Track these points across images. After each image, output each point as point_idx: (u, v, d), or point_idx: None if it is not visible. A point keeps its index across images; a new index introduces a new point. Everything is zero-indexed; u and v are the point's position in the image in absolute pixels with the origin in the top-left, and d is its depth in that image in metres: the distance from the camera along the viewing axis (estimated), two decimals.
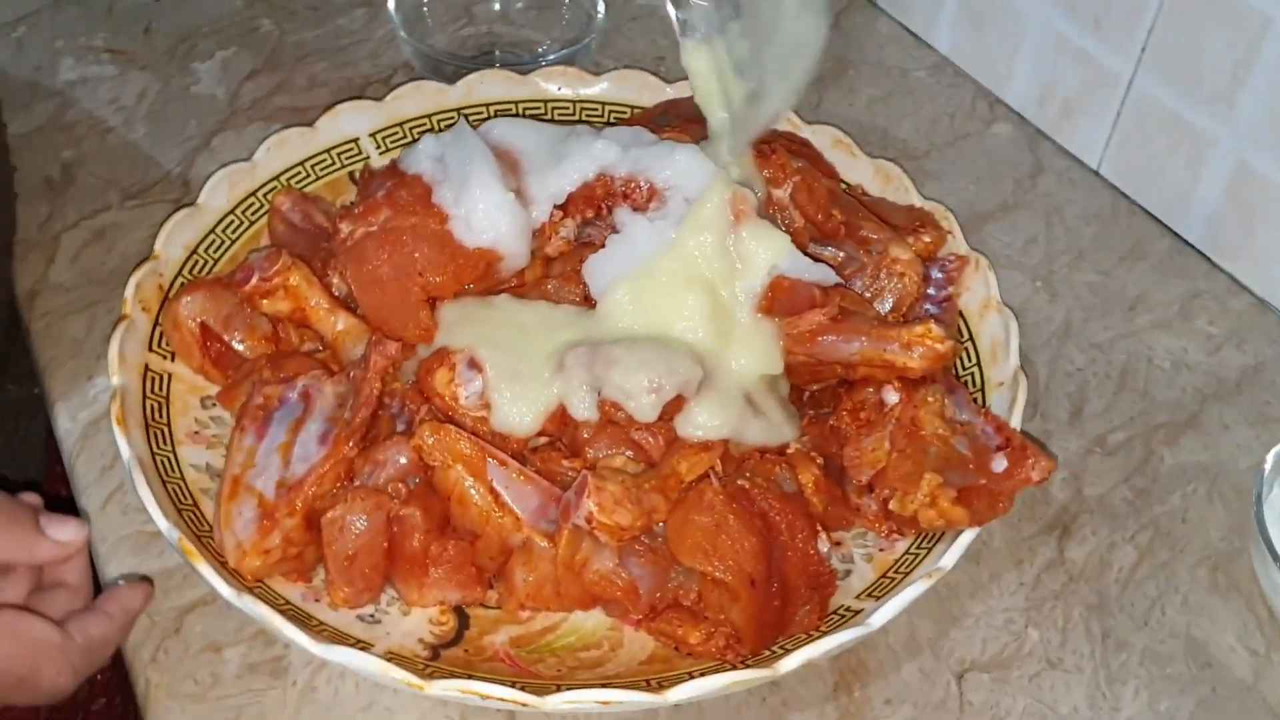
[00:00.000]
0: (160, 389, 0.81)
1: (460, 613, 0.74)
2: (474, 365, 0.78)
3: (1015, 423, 0.79)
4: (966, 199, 1.08)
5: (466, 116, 1.00)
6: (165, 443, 0.78)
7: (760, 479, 0.72)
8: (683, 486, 0.73)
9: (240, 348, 0.83)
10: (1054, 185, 1.10)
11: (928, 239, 0.90)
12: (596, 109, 1.05)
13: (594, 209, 0.84)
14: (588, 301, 0.82)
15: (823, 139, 1.00)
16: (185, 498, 0.75)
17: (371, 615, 0.73)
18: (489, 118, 1.00)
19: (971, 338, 0.88)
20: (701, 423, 0.75)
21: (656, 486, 0.72)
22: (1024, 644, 0.78)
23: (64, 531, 0.70)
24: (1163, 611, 0.80)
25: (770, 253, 0.80)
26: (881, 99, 1.18)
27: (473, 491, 0.73)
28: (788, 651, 0.68)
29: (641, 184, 0.83)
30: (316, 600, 0.73)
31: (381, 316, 0.81)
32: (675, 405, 0.76)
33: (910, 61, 1.23)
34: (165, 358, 0.83)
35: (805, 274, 0.80)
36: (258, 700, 0.72)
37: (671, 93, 1.04)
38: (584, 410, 0.76)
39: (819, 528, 0.73)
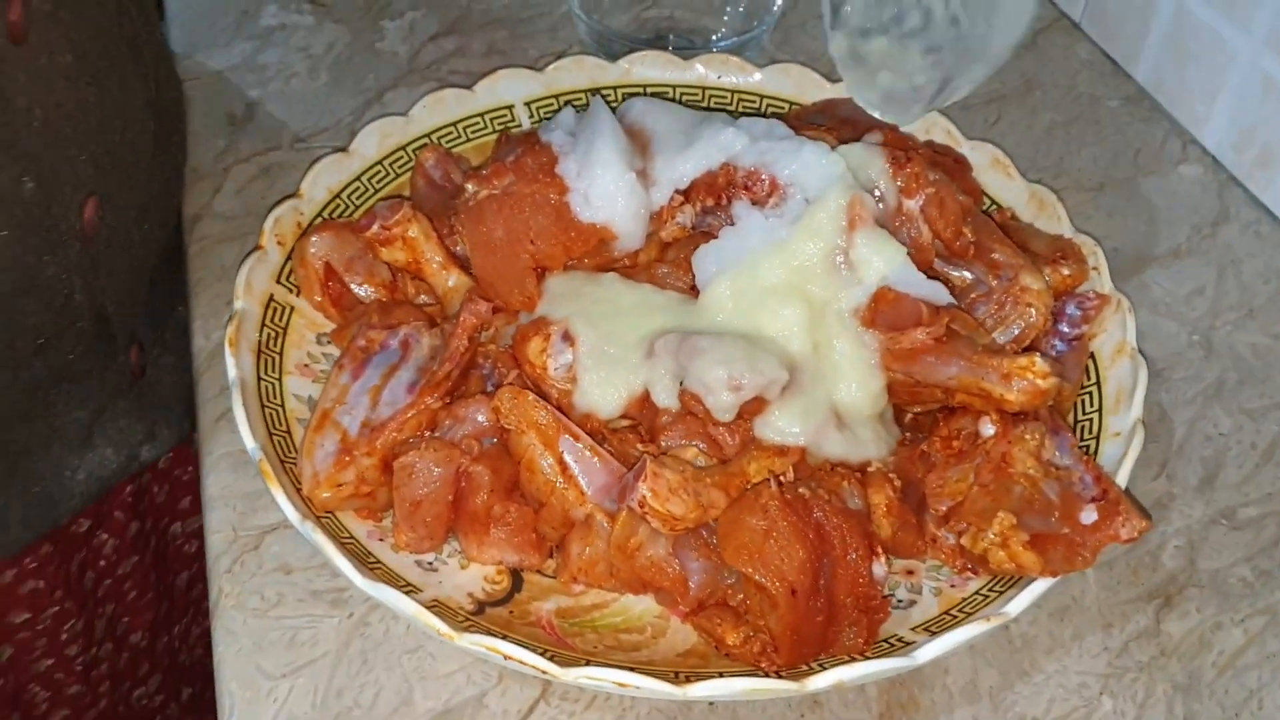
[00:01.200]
0: (280, 319, 0.85)
1: (515, 575, 0.75)
2: (568, 339, 0.78)
3: (1122, 477, 0.74)
4: (1134, 239, 1.02)
5: (621, 94, 1.01)
6: (273, 370, 0.82)
7: (824, 491, 0.70)
8: (746, 487, 0.71)
9: (358, 290, 0.86)
10: (1236, 236, 1.02)
11: (1067, 272, 0.85)
12: (753, 100, 1.03)
13: (714, 198, 0.83)
14: (695, 291, 0.81)
15: (981, 157, 0.96)
16: (280, 424, 0.79)
17: (430, 563, 0.75)
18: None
19: (1099, 382, 0.83)
20: (780, 427, 0.74)
21: (719, 482, 0.70)
22: (1094, 711, 0.73)
23: None
24: (1260, 705, 0.74)
25: (883, 263, 0.77)
26: (1064, 125, 1.13)
27: (542, 460, 0.73)
28: (823, 669, 0.66)
29: (764, 177, 0.81)
30: (381, 540, 0.75)
31: (490, 279, 0.83)
32: (756, 406, 0.74)
33: (1104, 89, 1.16)
34: (290, 291, 0.87)
35: (917, 290, 0.77)
36: (313, 625, 0.75)
37: (831, 92, 1.01)
38: (665, 398, 0.75)
39: (878, 551, 0.70)
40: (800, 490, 0.69)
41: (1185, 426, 0.88)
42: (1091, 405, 0.82)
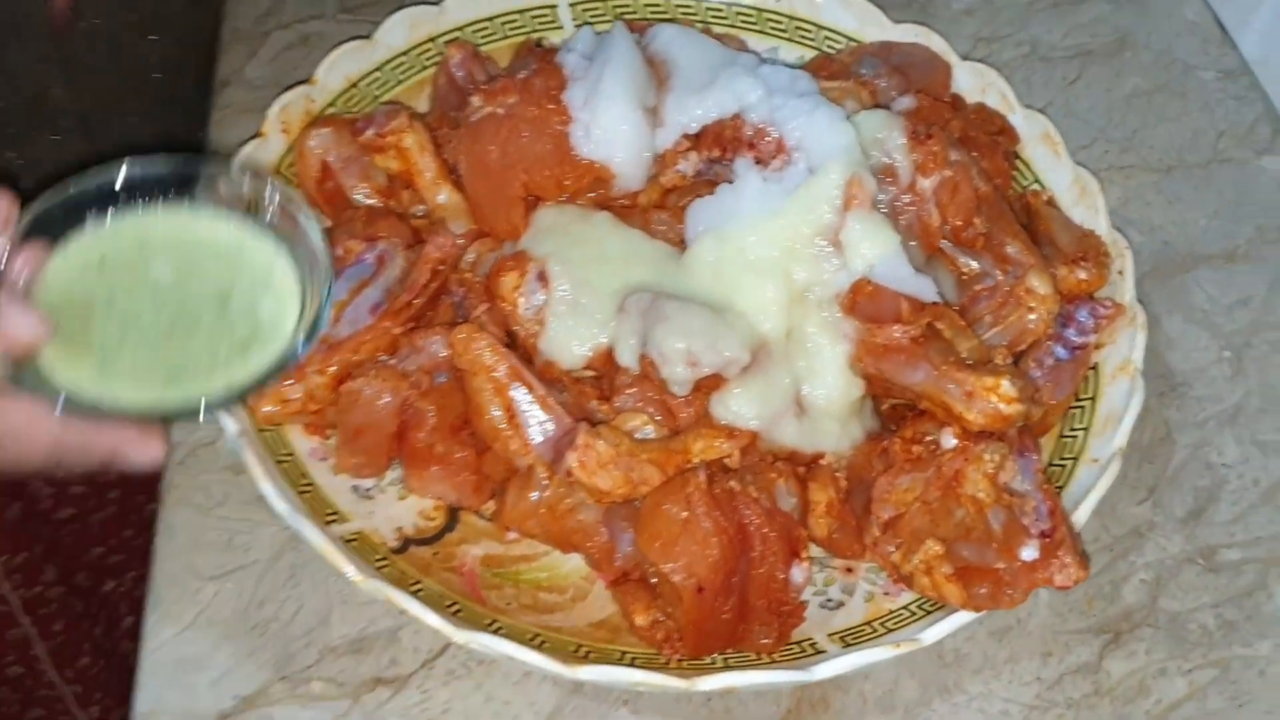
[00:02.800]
0: None
1: (452, 513, 0.75)
2: (543, 279, 0.76)
3: (1083, 512, 0.71)
4: (1191, 234, 0.95)
5: (674, 8, 0.96)
6: None
7: (756, 487, 0.68)
8: (686, 466, 0.69)
9: (352, 193, 0.84)
10: None
11: (1084, 275, 0.80)
12: (810, 31, 0.97)
13: (721, 149, 0.79)
14: (684, 245, 0.78)
15: (1031, 128, 0.90)
16: None
17: (367, 490, 0.75)
18: (696, 16, 0.96)
19: (1094, 398, 0.78)
20: (734, 409, 0.71)
21: (656, 458, 0.69)
22: None
23: (22, 321, 0.55)
24: None
25: (872, 250, 0.73)
26: (1148, 93, 1.04)
27: (491, 405, 0.72)
28: (725, 668, 0.65)
29: (771, 136, 0.77)
30: (323, 460, 0.75)
31: (480, 201, 0.80)
32: (715, 381, 0.72)
33: (1202, 58, 1.07)
34: (288, 182, 0.85)
35: (902, 284, 0.73)
36: (250, 531, 0.76)
37: (892, 33, 0.95)
38: (627, 357, 0.73)
39: (801, 555, 0.68)
40: (730, 484, 0.67)
41: (1187, 450, 0.84)
42: (1080, 422, 0.78)
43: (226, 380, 0.58)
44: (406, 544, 0.73)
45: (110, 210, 0.61)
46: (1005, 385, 0.68)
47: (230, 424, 0.71)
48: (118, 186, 0.60)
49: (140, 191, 0.61)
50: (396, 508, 0.75)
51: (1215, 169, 0.99)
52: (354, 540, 0.70)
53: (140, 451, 0.59)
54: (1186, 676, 0.74)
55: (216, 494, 0.78)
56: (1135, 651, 0.75)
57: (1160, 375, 0.86)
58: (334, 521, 0.71)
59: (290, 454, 0.74)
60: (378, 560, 0.70)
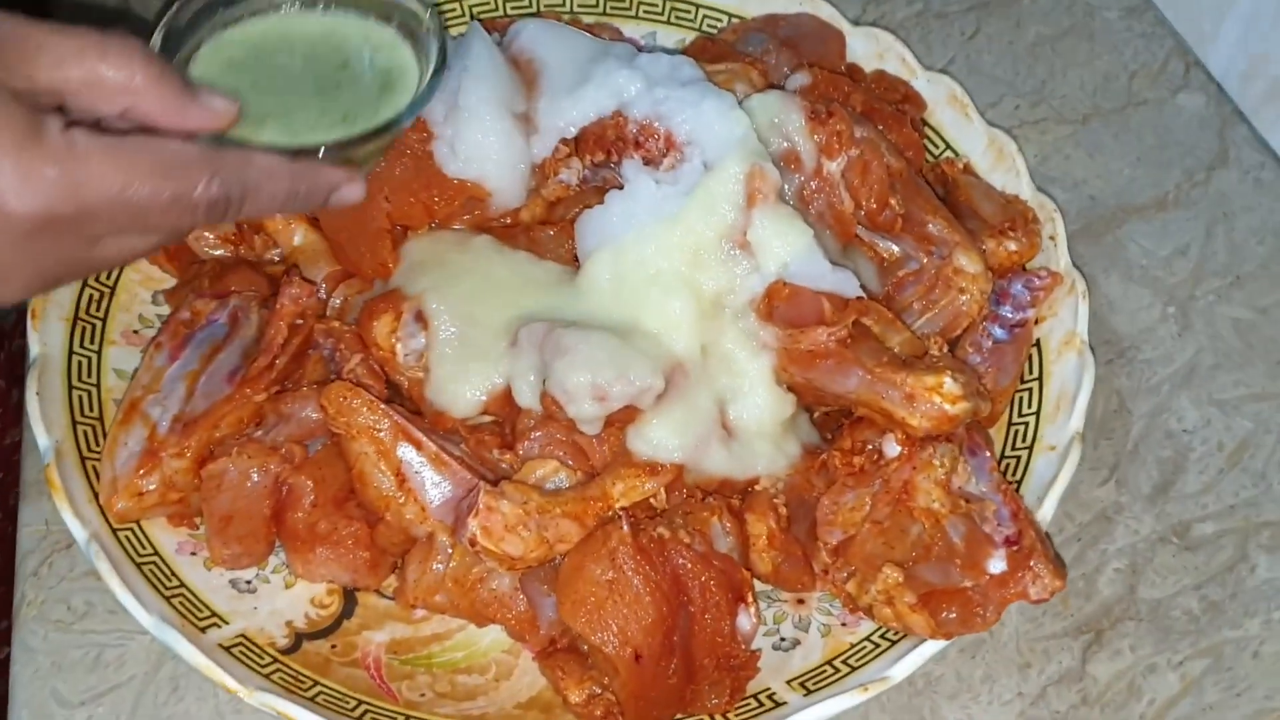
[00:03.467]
0: (108, 278, 0.74)
1: (349, 596, 0.66)
2: (421, 320, 0.67)
3: (1047, 510, 0.64)
4: (1117, 185, 0.89)
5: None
6: (92, 340, 0.72)
7: (687, 530, 0.60)
8: (607, 514, 0.61)
9: (197, 244, 0.75)
10: (1234, 183, 0.89)
11: (1014, 247, 0.73)
12: (688, 11, 0.89)
13: (605, 151, 0.71)
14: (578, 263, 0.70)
15: (937, 92, 0.83)
16: (91, 409, 0.69)
17: (249, 582, 0.66)
18: (563, 8, 0.88)
19: (1040, 379, 0.71)
20: (655, 441, 0.63)
21: (573, 510, 0.61)
22: None
23: (217, 102, 0.57)
24: None
25: (784, 247, 0.65)
26: (1052, 40, 0.98)
27: (376, 471, 0.64)
28: None
29: (658, 132, 0.69)
30: (193, 554, 0.66)
31: (340, 239, 0.71)
32: (629, 413, 0.64)
33: None
34: None
35: (820, 281, 0.65)
36: (121, 643, 0.66)
37: (779, 6, 0.87)
38: (528, 397, 0.65)
39: (747, 600, 0.60)
40: (659, 531, 0.59)
41: (1145, 420, 0.77)
42: (1029, 406, 0.71)
43: (392, 110, 0.61)
44: (299, 640, 0.64)
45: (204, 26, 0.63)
46: (948, 383, 0.61)
47: (78, 529, 0.62)
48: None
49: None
50: (284, 598, 0.65)
51: (1132, 113, 0.93)
52: (237, 645, 0.61)
53: (350, 190, 0.60)
54: (1178, 670, 0.68)
55: (78, 605, 0.68)
56: (1120, 650, 0.68)
57: (1105, 341, 0.80)
58: (211, 626, 0.62)
59: (153, 553, 0.65)
60: (265, 665, 0.61)
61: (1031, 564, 0.58)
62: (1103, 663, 0.68)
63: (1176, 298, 0.83)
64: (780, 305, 0.64)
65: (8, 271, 0.51)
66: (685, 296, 0.65)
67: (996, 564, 0.59)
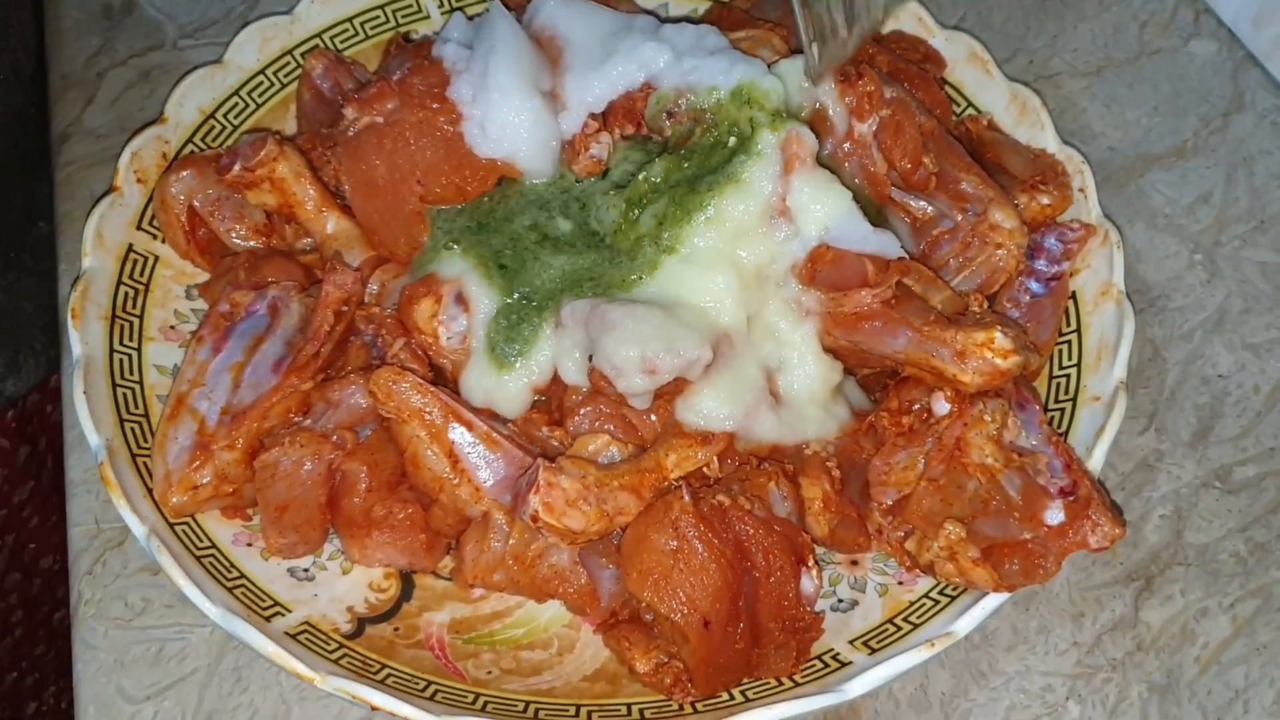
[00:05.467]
0: (141, 274, 0.74)
1: (406, 579, 0.66)
2: (461, 302, 0.67)
3: (1097, 460, 0.65)
4: (1135, 135, 0.89)
5: None
6: (130, 338, 0.71)
7: (745, 496, 0.60)
8: (663, 485, 0.61)
9: (228, 237, 0.74)
10: (1250, 128, 0.89)
11: (1046, 201, 0.73)
12: None
13: (634, 124, 0.71)
14: None
15: (956, 49, 0.83)
16: (137, 405, 0.69)
17: (306, 570, 0.66)
18: None
19: (1079, 330, 0.72)
20: (705, 411, 0.64)
21: (629, 483, 0.61)
22: None
23: None
24: (1245, 709, 0.65)
25: (824, 211, 0.65)
26: None
27: (428, 452, 0.64)
28: (747, 703, 0.58)
29: (684, 103, 0.69)
30: (250, 545, 0.66)
31: (373, 224, 0.71)
32: (677, 384, 0.64)
33: None
34: (154, 237, 0.75)
35: (863, 244, 0.65)
36: (182, 637, 0.67)
37: None
38: (574, 374, 0.65)
39: (809, 563, 0.61)
40: (718, 499, 0.60)
41: (1180, 367, 0.78)
42: (1069, 359, 0.71)
43: None
44: (361, 625, 0.64)
45: None
46: (999, 337, 0.61)
47: (136, 524, 0.62)
48: None
49: None
50: (342, 584, 0.66)
51: (1145, 63, 0.93)
52: (302, 632, 0.61)
53: None
54: (1229, 613, 0.68)
55: (135, 601, 0.68)
56: (1171, 595, 0.69)
57: (1135, 291, 0.80)
58: (275, 615, 0.62)
59: (211, 546, 0.65)
60: (333, 651, 0.61)
61: (1090, 513, 0.59)
62: (1154, 608, 0.69)
63: (1202, 245, 0.83)
64: (824, 269, 0.64)
65: None
66: (725, 269, 0.65)
67: (1054, 515, 0.60)
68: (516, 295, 0.67)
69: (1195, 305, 0.81)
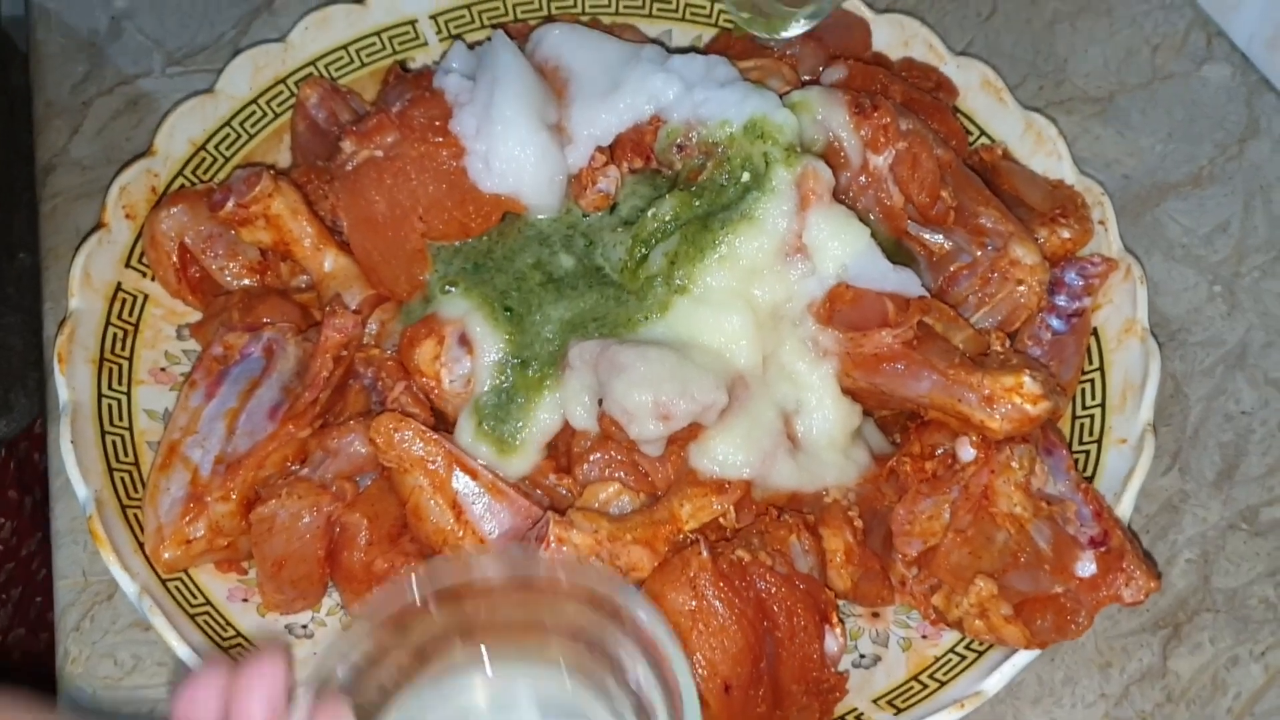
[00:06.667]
0: (130, 314, 0.71)
1: None
2: (465, 344, 0.65)
3: (1125, 507, 0.62)
4: (1149, 163, 0.87)
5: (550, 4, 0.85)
6: (120, 382, 0.69)
7: (766, 551, 0.58)
8: (678, 537, 0.59)
9: (221, 276, 0.72)
10: (1267, 155, 0.87)
11: (1067, 234, 0.71)
12: (704, 7, 0.87)
13: (643, 157, 0.69)
14: None
15: (969, 77, 0.81)
16: (126, 453, 0.66)
17: (304, 627, 0.63)
18: (576, 9, 0.85)
19: (1102, 368, 0.70)
20: (721, 457, 0.61)
21: (643, 536, 0.58)
22: None
23: None
24: None
25: (842, 248, 0.63)
26: (1070, 16, 0.96)
27: (431, 504, 0.61)
28: None
29: (695, 136, 0.66)
30: (245, 600, 0.63)
31: (373, 262, 0.69)
32: (691, 430, 0.61)
33: None
34: (144, 275, 0.73)
35: (882, 282, 0.63)
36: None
37: None
38: (583, 419, 0.63)
39: (832, 621, 0.58)
40: (738, 554, 0.57)
41: (1202, 404, 0.76)
42: (1093, 398, 0.69)
43: None
44: None
45: None
46: (1028, 382, 0.59)
47: (127, 582, 0.59)
48: None
49: None
50: None
51: (1158, 88, 0.92)
52: None
53: None
54: (1260, 661, 0.66)
55: (125, 659, 0.65)
56: (1200, 643, 0.67)
57: (1155, 325, 0.78)
58: None
59: (205, 602, 0.62)
60: None
61: (1124, 565, 0.57)
62: (1184, 657, 0.66)
63: (1221, 276, 0.81)
64: (842, 309, 0.62)
65: None
66: (741, 310, 0.62)
67: (1086, 566, 0.57)
68: (510, 364, 0.64)
69: (1216, 339, 0.78)
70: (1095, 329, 0.71)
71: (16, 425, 0.91)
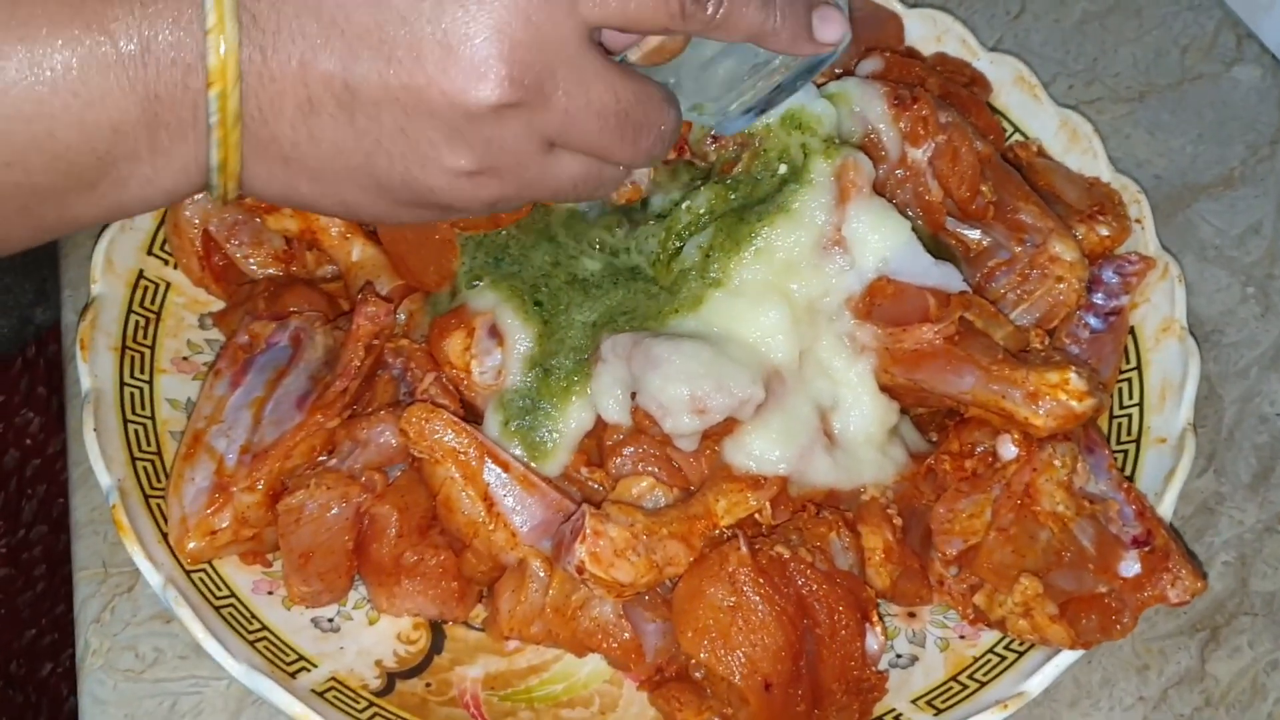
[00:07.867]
0: (152, 301, 0.70)
1: (436, 630, 0.62)
2: (495, 335, 0.64)
3: (1167, 506, 0.61)
4: (1180, 164, 0.86)
5: None
6: (142, 370, 0.68)
7: (806, 547, 0.57)
8: (713, 532, 0.58)
9: (246, 264, 0.71)
10: None
11: (1105, 232, 0.70)
12: None
13: (676, 149, 0.68)
14: None
15: (1003, 73, 0.80)
16: (149, 443, 0.65)
17: (330, 620, 0.62)
18: None
19: (1139, 367, 0.69)
20: (756, 453, 0.60)
21: (679, 531, 0.57)
22: None
23: (832, 30, 0.55)
24: None
25: (882, 242, 0.62)
26: (1099, 16, 0.95)
27: (463, 495, 0.60)
28: None
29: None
30: (271, 593, 0.62)
31: (400, 251, 0.67)
32: (726, 425, 0.60)
33: None
34: (166, 263, 0.72)
35: (924, 276, 0.62)
36: (198, 690, 0.62)
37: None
38: (615, 413, 0.61)
39: (873, 619, 0.57)
40: (778, 549, 0.56)
41: (1237, 406, 0.75)
42: (1130, 398, 0.68)
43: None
44: (391, 681, 0.60)
45: None
46: (1073, 379, 0.58)
47: (152, 572, 0.58)
48: None
49: None
50: (369, 635, 0.62)
51: (1188, 88, 0.91)
52: (330, 689, 0.57)
53: None
54: None
55: (146, 652, 0.64)
56: (1239, 647, 0.66)
57: (1189, 325, 0.77)
58: (301, 670, 0.58)
59: (231, 595, 0.61)
60: (363, 710, 0.57)
61: (1170, 565, 0.56)
62: (1222, 661, 0.65)
63: (1254, 277, 0.81)
64: (882, 303, 0.61)
65: (457, 149, 0.47)
66: (777, 303, 0.61)
67: (1130, 566, 0.57)
68: (538, 362, 0.63)
69: (1250, 340, 0.78)
70: (1132, 328, 0.70)
71: (52, 314, 0.90)
